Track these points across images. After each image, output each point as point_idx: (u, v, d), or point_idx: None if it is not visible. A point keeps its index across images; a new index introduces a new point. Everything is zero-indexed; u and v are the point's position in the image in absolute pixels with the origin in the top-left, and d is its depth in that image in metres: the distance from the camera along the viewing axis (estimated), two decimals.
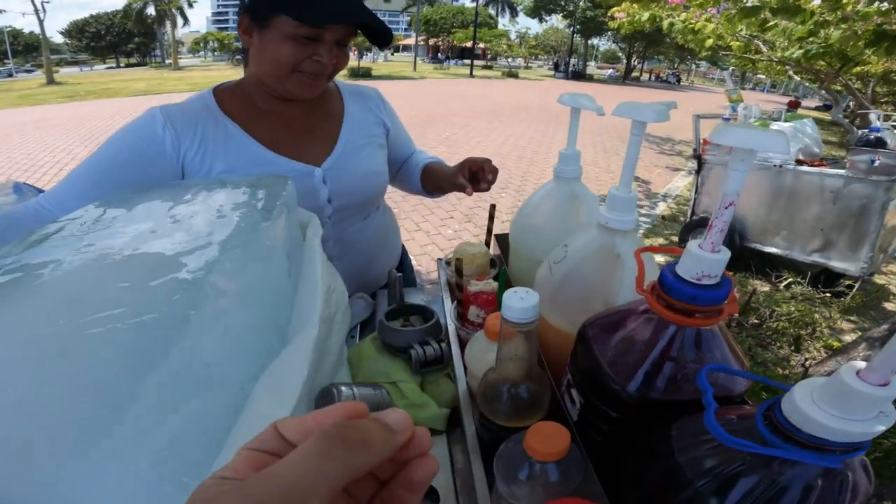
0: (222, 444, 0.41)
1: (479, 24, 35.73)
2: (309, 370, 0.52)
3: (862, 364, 0.32)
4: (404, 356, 0.77)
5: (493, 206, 0.91)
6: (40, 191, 0.80)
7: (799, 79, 7.82)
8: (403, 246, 1.29)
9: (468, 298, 0.73)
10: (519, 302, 0.48)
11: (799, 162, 3.25)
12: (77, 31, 49.84)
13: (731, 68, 7.41)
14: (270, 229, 0.56)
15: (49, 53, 25.89)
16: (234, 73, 25.29)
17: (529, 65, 52.09)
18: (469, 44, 34.63)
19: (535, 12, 36.16)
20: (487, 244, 0.90)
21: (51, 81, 23.82)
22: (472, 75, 29.07)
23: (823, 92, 6.82)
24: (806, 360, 2.53)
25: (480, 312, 0.74)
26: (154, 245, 0.49)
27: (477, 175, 1.00)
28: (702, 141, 3.46)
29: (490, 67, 40.43)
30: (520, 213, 0.78)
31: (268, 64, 0.83)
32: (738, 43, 5.84)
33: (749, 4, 3.65)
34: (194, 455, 0.38)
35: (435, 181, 1.13)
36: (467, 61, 35.28)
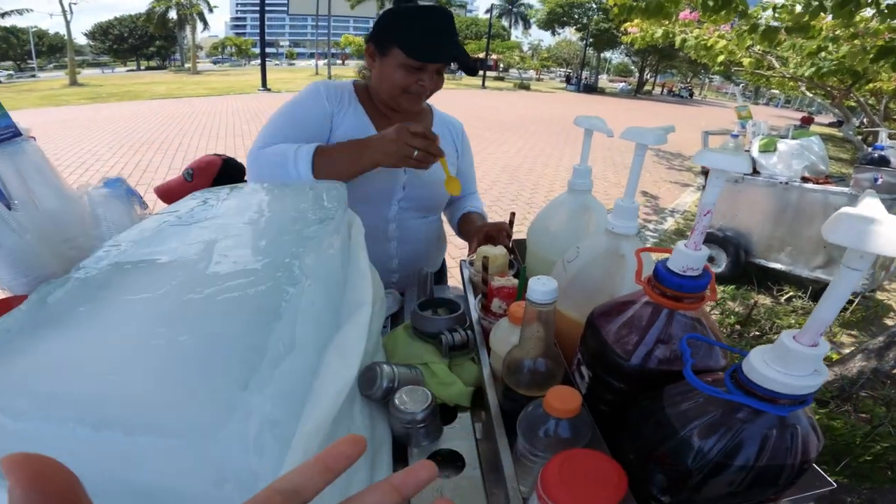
0: (303, 402, 0.51)
1: (492, 35, 35.96)
2: (366, 340, 0.65)
3: (797, 330, 0.43)
4: (434, 341, 0.88)
5: (512, 214, 1.05)
6: (130, 189, 0.93)
7: (811, 95, 7.87)
8: (445, 263, 1.50)
9: (492, 292, 0.85)
10: (541, 286, 0.59)
11: (804, 179, 3.33)
12: (101, 32, 50.61)
13: (741, 84, 7.47)
14: (332, 228, 0.68)
15: (74, 55, 26.51)
16: (249, 77, 25.80)
17: (541, 77, 52.14)
18: (482, 55, 34.87)
19: (549, 25, 36.37)
20: (506, 247, 1.02)
21: (73, 83, 24.39)
22: (483, 87, 29.20)
23: (835, 109, 6.87)
24: None
25: (502, 304, 0.86)
26: (252, 234, 0.62)
27: (496, 239, 1.15)
28: None
29: (502, 79, 40.33)
30: (537, 219, 0.90)
31: (384, 84, 1.09)
32: (749, 59, 5.90)
33: (763, 23, 3.75)
34: (277, 413, 0.43)
35: (466, 232, 1.30)
36: (479, 72, 35.42)
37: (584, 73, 40.06)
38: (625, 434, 0.60)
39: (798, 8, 3.94)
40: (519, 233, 1.04)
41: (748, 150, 3.61)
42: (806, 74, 4.69)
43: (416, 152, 0.94)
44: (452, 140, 1.30)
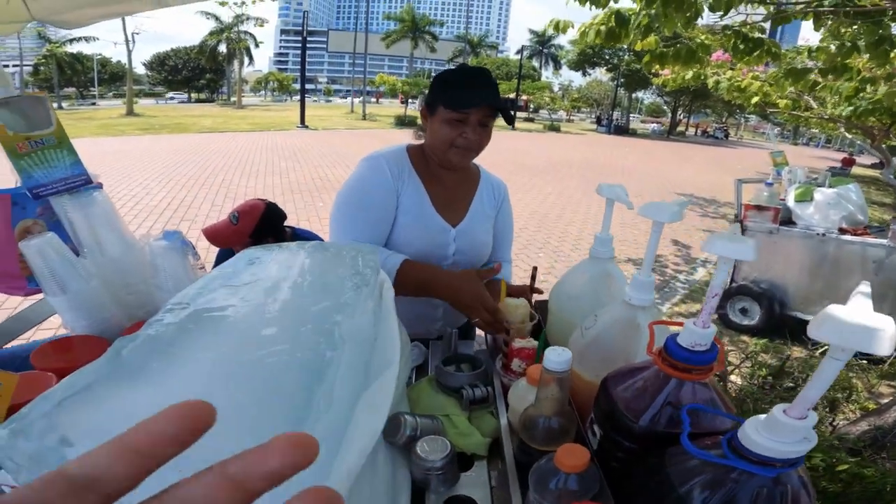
0: (336, 452, 0.57)
1: (522, 75, 36.67)
2: (394, 396, 0.71)
3: (788, 404, 0.47)
4: (456, 395, 0.93)
5: (535, 269, 1.12)
6: (185, 241, 1.02)
7: (850, 135, 7.69)
8: None
9: (512, 352, 0.90)
10: (557, 357, 0.64)
11: (842, 231, 3.26)
12: (158, 63, 53.57)
13: (776, 129, 7.37)
14: (367, 293, 0.75)
15: (132, 84, 28.44)
16: (290, 114, 27.02)
17: (571, 118, 52.46)
18: (512, 95, 35.56)
19: (579, 65, 36.87)
20: (528, 301, 1.07)
21: (130, 112, 26.12)
22: (513, 128, 29.56)
23: (874, 149, 6.69)
24: (837, 420, 2.50)
25: (522, 364, 0.90)
26: (297, 299, 0.69)
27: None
28: (743, 206, 3.52)
29: (532, 120, 40.47)
30: (560, 284, 0.95)
31: (435, 141, 1.19)
32: (785, 101, 5.82)
33: (798, 65, 3.77)
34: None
35: None
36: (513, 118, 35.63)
37: (616, 114, 40.21)
38: (631, 489, 0.64)
39: (833, 49, 3.96)
40: (543, 282, 1.09)
41: (783, 199, 3.57)
42: (843, 114, 4.63)
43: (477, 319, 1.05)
44: (493, 198, 1.38)
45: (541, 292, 1.21)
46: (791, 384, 2.87)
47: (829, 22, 3.49)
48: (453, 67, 1.22)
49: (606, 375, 0.73)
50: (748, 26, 3.50)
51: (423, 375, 1.19)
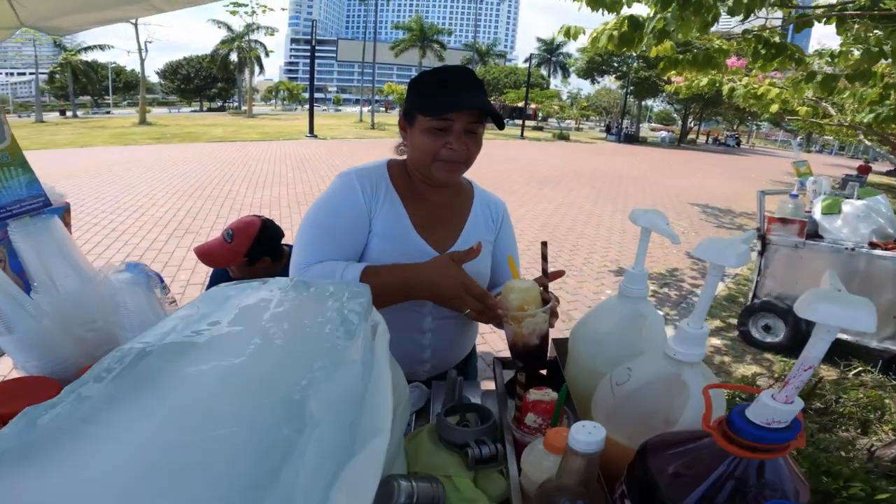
0: None
1: (531, 84, 36.55)
2: (387, 454, 0.57)
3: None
4: (460, 452, 0.79)
5: (544, 244, 0.94)
6: (153, 272, 0.90)
7: (869, 142, 7.50)
8: (475, 346, 1.36)
9: (527, 406, 0.76)
10: (586, 436, 0.50)
11: (872, 245, 3.08)
12: (171, 72, 54.07)
13: (798, 137, 7.21)
14: (353, 344, 0.62)
15: (145, 93, 28.74)
16: (298, 123, 27.17)
17: (580, 126, 52.22)
18: (521, 104, 35.38)
19: (588, 73, 36.76)
20: (541, 284, 0.90)
21: (143, 121, 26.45)
22: (522, 137, 28.99)
23: (893, 156, 6.49)
24: (872, 442, 2.32)
25: (537, 419, 0.76)
26: (261, 359, 0.56)
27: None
28: (767, 219, 3.34)
29: (541, 129, 40.11)
30: (582, 324, 0.80)
31: (416, 153, 1.04)
32: (805, 108, 5.64)
33: (820, 71, 3.61)
34: None
35: None
36: (518, 121, 35.38)
37: (625, 122, 39.95)
38: None
39: (856, 53, 3.80)
40: (563, 328, 0.94)
41: (809, 212, 3.39)
42: (864, 121, 4.47)
43: (467, 310, 0.90)
44: (491, 220, 1.21)
45: (562, 273, 1.01)
46: (822, 405, 2.70)
47: (857, 26, 3.34)
48: (429, 69, 1.07)
49: (646, 443, 0.59)
50: (768, 31, 3.36)
51: (425, 420, 1.05)
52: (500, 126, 1.08)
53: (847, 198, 3.33)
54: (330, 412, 0.54)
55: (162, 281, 0.93)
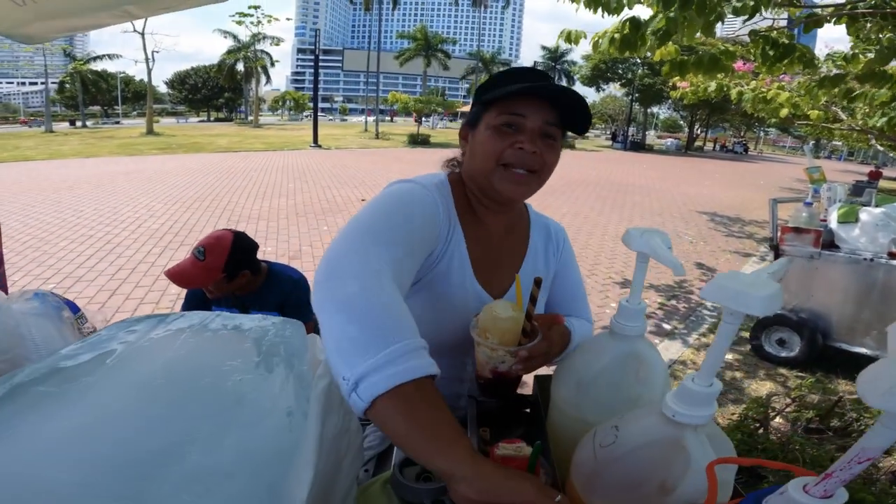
0: None
1: None
2: None
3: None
4: None
5: (538, 280, 0.74)
6: (66, 300, 0.78)
7: (882, 148, 7.33)
8: None
9: (495, 460, 0.62)
10: None
11: (892, 255, 2.91)
12: (179, 81, 54.62)
13: (810, 143, 7.05)
14: (266, 392, 0.49)
15: (153, 103, 28.87)
16: (303, 133, 27.22)
17: (586, 134, 52.29)
18: None
19: (593, 81, 36.61)
20: (528, 317, 0.75)
21: (150, 132, 26.66)
22: (584, 137, 29.03)
23: None
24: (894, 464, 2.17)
25: None
26: (124, 420, 0.43)
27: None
28: (780, 228, 3.18)
29: None
30: (567, 364, 0.67)
31: (476, 159, 0.84)
32: (817, 112, 5.45)
33: (831, 73, 3.48)
34: None
35: None
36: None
37: (631, 130, 39.75)
38: None
39: (869, 55, 3.66)
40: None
41: (824, 221, 3.23)
42: (877, 125, 4.30)
43: None
44: (552, 251, 1.02)
45: (555, 320, 0.83)
46: (841, 424, 2.53)
47: (869, 25, 3.20)
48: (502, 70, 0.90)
49: None
50: (776, 31, 3.23)
51: (387, 465, 0.91)
52: (583, 130, 0.86)
53: (864, 205, 3.16)
54: (226, 478, 0.41)
55: (76, 310, 0.81)
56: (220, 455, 0.44)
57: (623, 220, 8.26)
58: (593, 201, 10.14)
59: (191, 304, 1.77)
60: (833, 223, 3.13)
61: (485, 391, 0.78)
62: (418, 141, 24.51)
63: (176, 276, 1.56)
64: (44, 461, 0.40)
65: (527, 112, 0.79)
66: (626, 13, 2.89)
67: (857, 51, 3.88)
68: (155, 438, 0.42)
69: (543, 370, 0.80)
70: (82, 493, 0.36)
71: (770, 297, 0.38)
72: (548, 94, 0.79)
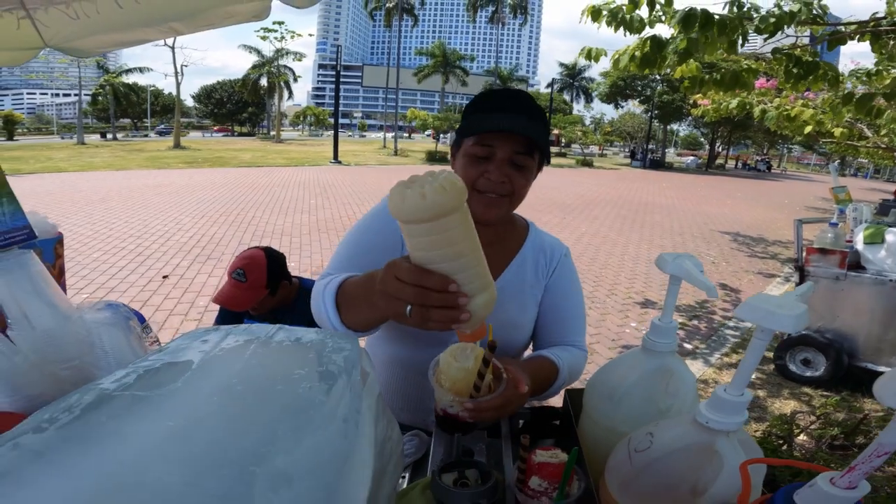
0: None
1: (553, 109, 36.51)
2: None
3: None
4: None
5: (492, 344, 0.67)
6: (135, 311, 0.85)
7: None
8: None
9: (531, 468, 0.66)
10: None
11: None
12: (205, 96, 55.65)
13: (835, 162, 6.92)
14: (329, 400, 0.55)
15: (180, 117, 29.56)
16: (324, 148, 27.63)
17: (604, 152, 51.62)
18: None
19: (611, 98, 36.45)
20: (486, 361, 0.70)
21: (177, 145, 27.42)
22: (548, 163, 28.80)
23: None
24: None
25: (543, 483, 0.66)
26: (215, 421, 0.49)
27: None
28: (805, 249, 3.15)
29: (564, 155, 39.82)
30: (599, 376, 0.70)
31: None
32: (841, 130, 5.37)
33: (857, 91, 3.45)
34: None
35: None
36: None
37: (651, 147, 39.40)
38: None
39: (894, 72, 3.63)
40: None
41: (850, 241, 3.19)
42: None
43: (408, 309, 0.57)
44: (543, 264, 1.05)
45: (518, 387, 0.76)
46: (866, 441, 2.48)
47: (892, 43, 3.19)
48: (484, 91, 0.97)
49: None
50: (799, 49, 3.24)
51: (423, 471, 0.95)
52: (546, 161, 0.95)
53: (890, 226, 3.12)
54: (299, 483, 0.46)
55: (143, 320, 0.87)
56: (299, 456, 0.49)
57: (643, 241, 8.19)
58: (612, 220, 10.04)
59: (225, 318, 1.84)
60: (859, 244, 3.09)
61: (439, 424, 0.79)
62: (436, 158, 24.71)
63: (227, 301, 1.63)
64: (147, 461, 0.44)
65: (496, 143, 0.87)
66: (648, 31, 2.96)
67: (881, 67, 3.85)
68: (243, 440, 0.47)
69: (574, 386, 0.84)
70: (190, 492, 0.41)
71: (799, 317, 0.42)
72: (506, 129, 0.85)
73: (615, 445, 0.65)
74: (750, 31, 2.87)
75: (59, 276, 1.42)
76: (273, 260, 1.69)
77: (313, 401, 0.56)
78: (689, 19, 2.65)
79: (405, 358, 1.06)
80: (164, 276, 4.82)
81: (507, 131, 0.85)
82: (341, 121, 24.55)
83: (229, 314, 1.82)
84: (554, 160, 32.01)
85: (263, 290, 1.63)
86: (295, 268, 5.32)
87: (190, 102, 63.08)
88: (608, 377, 0.68)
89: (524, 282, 1.03)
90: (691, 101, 6.22)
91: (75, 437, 0.47)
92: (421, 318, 0.57)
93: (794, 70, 3.03)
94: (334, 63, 22.47)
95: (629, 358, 0.68)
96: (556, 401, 0.98)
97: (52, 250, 1.16)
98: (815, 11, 2.81)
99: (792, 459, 0.47)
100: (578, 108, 54.56)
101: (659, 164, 35.72)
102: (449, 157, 1.02)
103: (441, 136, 31.58)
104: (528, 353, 1.09)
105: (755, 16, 2.79)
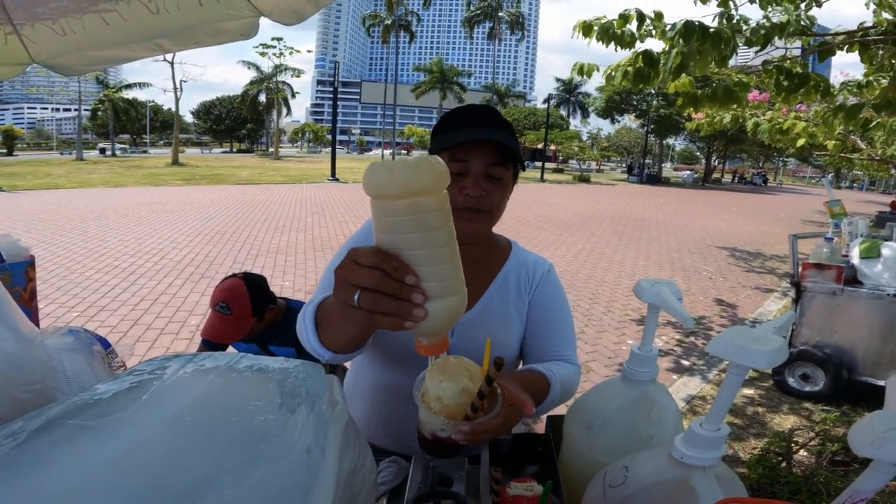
0: None
1: (550, 125, 36.61)
2: None
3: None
4: None
5: (498, 362, 0.62)
6: (98, 337, 0.83)
7: None
8: None
9: (505, 501, 0.63)
10: None
11: None
12: (204, 111, 55.72)
13: (829, 175, 6.96)
14: (286, 430, 0.52)
15: (179, 133, 29.57)
16: (321, 165, 27.64)
17: (601, 167, 51.68)
18: (540, 145, 35.32)
19: (607, 113, 36.75)
20: (489, 381, 0.65)
21: (175, 162, 27.44)
22: (542, 179, 28.15)
23: None
24: None
25: None
26: (155, 454, 0.46)
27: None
28: (801, 265, 3.14)
29: (561, 171, 39.78)
30: (578, 406, 0.68)
31: None
32: (833, 142, 5.38)
33: (847, 103, 3.46)
34: None
35: None
36: (538, 164, 34.63)
37: (647, 162, 39.60)
38: None
39: (882, 82, 3.64)
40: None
41: (846, 256, 3.17)
42: None
43: (357, 294, 0.50)
44: (526, 282, 1.03)
45: (507, 407, 0.70)
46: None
47: (881, 52, 3.21)
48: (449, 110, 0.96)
49: None
50: (789, 61, 3.25)
51: (399, 499, 0.91)
52: (521, 167, 0.96)
53: (886, 240, 3.11)
54: None
55: (108, 346, 0.85)
56: (247, 489, 0.47)
57: (640, 257, 8.16)
58: (609, 237, 10.01)
59: (210, 343, 1.81)
60: (855, 259, 3.07)
61: (424, 448, 0.74)
62: None
63: (215, 335, 1.59)
64: (79, 492, 0.42)
65: (470, 157, 0.86)
66: (639, 46, 2.97)
67: (870, 77, 3.88)
68: (185, 473, 0.44)
69: (556, 413, 0.81)
70: None
71: (773, 352, 0.40)
72: (481, 138, 0.84)
73: (593, 475, 0.62)
74: (740, 44, 2.88)
75: (31, 299, 1.39)
76: (254, 286, 1.65)
77: (267, 432, 0.54)
78: (689, 31, 2.65)
79: (387, 382, 1.03)
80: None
81: (478, 141, 0.85)
82: (340, 137, 24.65)
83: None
84: (551, 176, 32.09)
85: (251, 318, 1.60)
86: (289, 286, 5.27)
87: (189, 118, 63.40)
88: (587, 406, 0.66)
89: (507, 301, 1.01)
90: (686, 115, 6.27)
91: (10, 464, 0.46)
92: (371, 305, 0.49)
93: (785, 82, 3.05)
94: (332, 79, 22.63)
95: (609, 386, 0.65)
96: (541, 426, 0.95)
97: (23, 274, 1.13)
98: (803, 23, 2.83)
99: (773, 499, 0.44)
100: (575, 123, 55.07)
101: (656, 179, 35.83)
102: None
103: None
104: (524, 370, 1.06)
105: (745, 28, 2.81)
